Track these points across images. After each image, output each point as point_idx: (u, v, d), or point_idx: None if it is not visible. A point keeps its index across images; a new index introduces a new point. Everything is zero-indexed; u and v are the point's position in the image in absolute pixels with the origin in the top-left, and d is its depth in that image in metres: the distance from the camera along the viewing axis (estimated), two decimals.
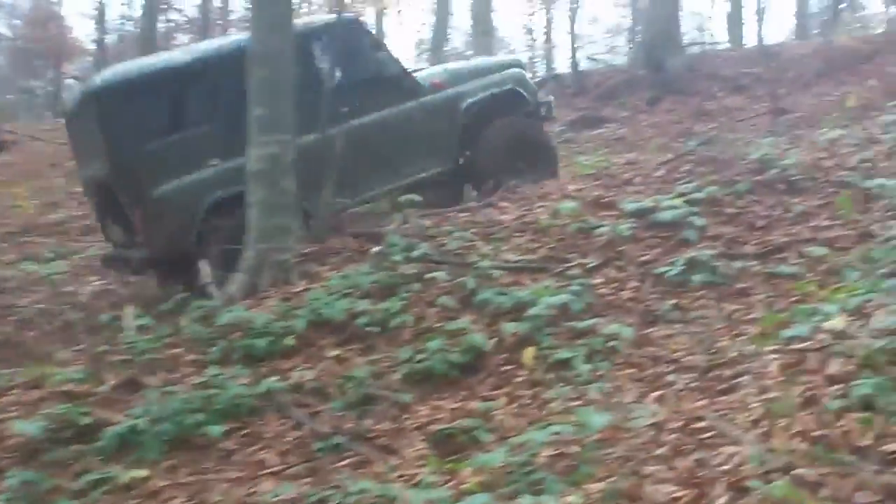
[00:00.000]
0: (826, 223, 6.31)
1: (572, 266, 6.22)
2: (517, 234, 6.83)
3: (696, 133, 11.40)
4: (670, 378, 4.70)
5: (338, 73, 7.82)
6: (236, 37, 10.03)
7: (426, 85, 8.57)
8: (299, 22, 8.14)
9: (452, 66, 10.21)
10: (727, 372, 4.52)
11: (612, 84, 17.01)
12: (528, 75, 9.55)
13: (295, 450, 4.70)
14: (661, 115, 14.80)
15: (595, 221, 6.75)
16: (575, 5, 25.88)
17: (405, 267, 6.24)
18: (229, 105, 7.35)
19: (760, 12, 26.93)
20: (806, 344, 4.24)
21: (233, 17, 22.49)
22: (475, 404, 4.80)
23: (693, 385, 4.54)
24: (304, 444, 4.71)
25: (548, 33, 30.91)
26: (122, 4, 24.68)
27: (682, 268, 5.93)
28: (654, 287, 5.92)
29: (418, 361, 5.17)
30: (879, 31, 19.02)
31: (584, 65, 21.41)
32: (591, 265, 6.23)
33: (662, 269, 6.00)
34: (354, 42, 8.17)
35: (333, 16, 8.56)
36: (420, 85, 8.50)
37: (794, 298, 5.25)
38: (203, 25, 20.12)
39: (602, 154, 11.66)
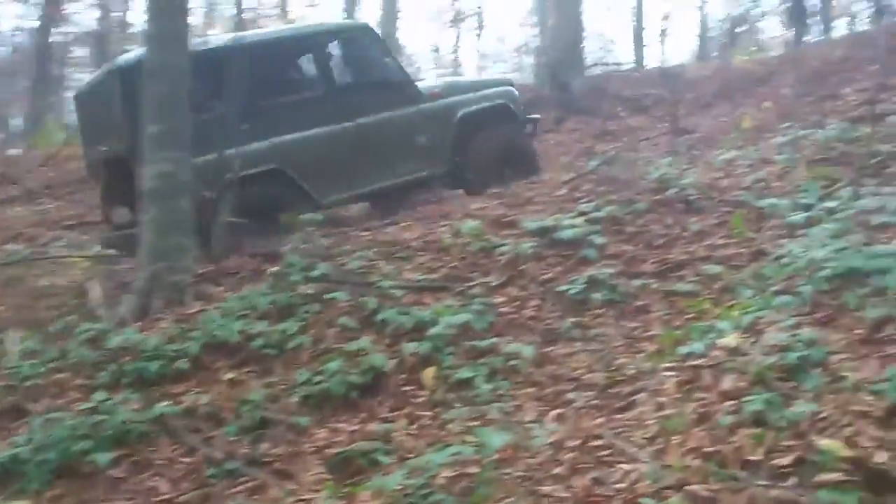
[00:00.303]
0: (721, 242, 6.43)
1: (474, 285, 6.20)
2: (419, 253, 6.78)
3: (598, 152, 11.54)
4: (570, 396, 4.71)
5: (345, 73, 8.84)
6: (259, 31, 11.01)
7: (425, 94, 9.24)
8: (314, 24, 9.25)
9: (450, 79, 11.71)
10: (625, 389, 4.56)
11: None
12: (517, 93, 10.29)
13: (187, 476, 4.56)
14: (566, 134, 14.95)
15: (497, 240, 6.74)
16: (482, 24, 26.09)
17: (304, 287, 6.12)
18: (258, 89, 8.00)
19: (662, 34, 27.69)
20: (701, 361, 4.29)
21: (132, 30, 21.98)
22: (374, 426, 4.73)
23: (592, 403, 4.56)
24: (197, 471, 4.57)
25: (455, 51, 31.05)
26: (18, 17, 23.88)
27: (583, 286, 5.96)
28: (556, 305, 5.93)
29: (316, 383, 5.06)
30: (775, 53, 19.66)
31: None
32: (493, 284, 6.21)
33: (563, 288, 6.02)
34: (365, 46, 8.97)
35: (349, 20, 9.20)
36: (420, 93, 9.16)
37: (690, 316, 5.32)
38: (100, 39, 19.54)
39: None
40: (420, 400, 4.96)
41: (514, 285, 6.23)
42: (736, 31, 27.34)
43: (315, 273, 6.28)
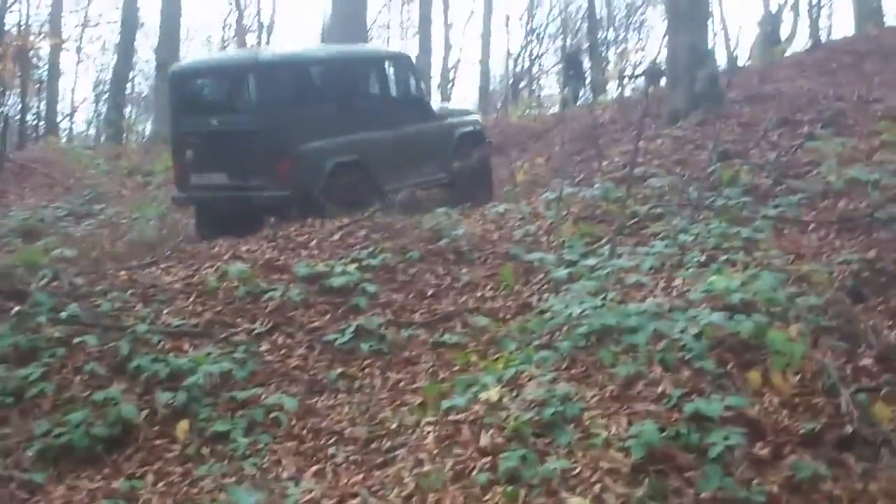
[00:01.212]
0: (490, 294, 6.54)
1: (238, 331, 5.94)
2: (181, 296, 6.42)
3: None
4: (331, 451, 4.57)
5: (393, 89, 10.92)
6: (356, 44, 14.04)
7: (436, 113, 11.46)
8: (373, 47, 12.54)
9: (443, 104, 15.00)
10: (386, 444, 4.48)
11: None
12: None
13: None
14: None
15: (266, 285, 6.52)
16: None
17: (50, 329, 5.62)
18: (345, 94, 10.09)
19: (446, 83, 28.42)
20: (462, 415, 4.29)
21: None
22: (118, 483, 4.37)
23: (353, 458, 4.45)
24: None
25: None
26: None
27: (352, 335, 5.86)
28: (323, 355, 5.78)
29: (57, 436, 4.63)
30: (553, 111, 20.56)
31: None
32: (258, 331, 5.98)
33: (332, 337, 5.89)
34: (405, 69, 11.11)
35: (397, 49, 13.95)
36: (434, 112, 11.38)
37: (456, 368, 5.33)
38: None
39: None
40: (172, 455, 4.64)
41: (281, 333, 6.03)
42: (517, 86, 28.50)
43: (63, 314, 5.80)
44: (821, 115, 10.70)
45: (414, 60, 11.58)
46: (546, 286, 6.31)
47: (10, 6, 23.95)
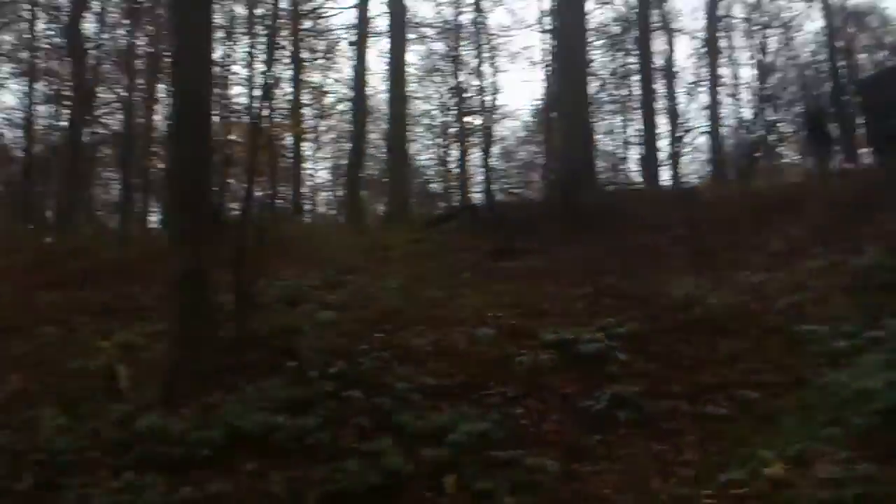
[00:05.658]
0: (756, 366, 6.12)
1: (492, 394, 5.91)
2: (434, 357, 6.51)
3: (614, 269, 11.34)
4: None
5: None
6: None
7: None
8: None
9: None
10: None
11: (527, 217, 16.89)
12: None
13: None
14: (578, 249, 14.67)
15: (513, 350, 6.48)
16: (489, 138, 26.13)
17: (321, 384, 5.87)
18: None
19: (675, 155, 27.71)
20: (744, 490, 4.02)
21: (156, 133, 22.15)
22: None
23: None
24: None
25: (462, 165, 30.94)
26: (51, 118, 24.19)
27: (607, 403, 5.67)
28: (578, 421, 5.63)
29: (335, 481, 4.79)
30: (795, 180, 19.43)
31: (498, 197, 21.50)
32: (511, 395, 5.92)
33: (586, 404, 5.73)
34: None
35: None
36: None
37: (726, 442, 5.01)
38: (126, 140, 19.61)
39: (519, 284, 11.43)
40: None
41: (533, 397, 5.93)
42: (755, 155, 27.29)
43: (332, 370, 6.04)
44: None
45: None
46: (821, 360, 5.84)
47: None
